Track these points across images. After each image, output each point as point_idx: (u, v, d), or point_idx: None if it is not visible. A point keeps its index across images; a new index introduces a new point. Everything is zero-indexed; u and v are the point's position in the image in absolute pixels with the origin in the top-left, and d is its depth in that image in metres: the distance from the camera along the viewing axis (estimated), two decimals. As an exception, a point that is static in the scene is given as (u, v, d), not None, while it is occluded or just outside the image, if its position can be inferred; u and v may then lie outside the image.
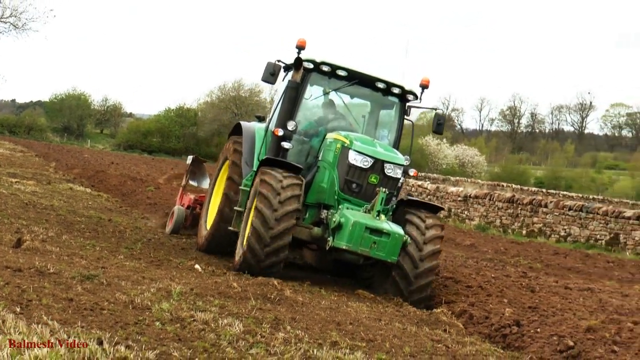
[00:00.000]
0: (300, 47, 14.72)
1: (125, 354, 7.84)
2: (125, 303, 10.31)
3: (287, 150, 14.87)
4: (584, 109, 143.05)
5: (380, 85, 15.29)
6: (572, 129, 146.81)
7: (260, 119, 17.25)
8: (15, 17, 70.92)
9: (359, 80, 15.32)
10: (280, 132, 14.55)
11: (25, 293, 9.82)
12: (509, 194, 41.03)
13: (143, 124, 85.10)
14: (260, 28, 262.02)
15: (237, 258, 13.98)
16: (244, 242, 13.68)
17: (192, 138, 78.58)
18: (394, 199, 14.82)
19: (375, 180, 13.99)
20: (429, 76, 15.85)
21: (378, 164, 14.04)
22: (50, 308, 9.29)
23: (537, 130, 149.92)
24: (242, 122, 16.69)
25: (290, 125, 14.58)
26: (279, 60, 14.92)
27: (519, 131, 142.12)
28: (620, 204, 50.42)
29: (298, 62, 14.84)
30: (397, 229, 13.46)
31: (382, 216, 13.65)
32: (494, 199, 39.43)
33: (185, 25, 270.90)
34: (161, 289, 11.52)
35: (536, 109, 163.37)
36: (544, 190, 62.44)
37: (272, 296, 12.46)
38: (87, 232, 17.06)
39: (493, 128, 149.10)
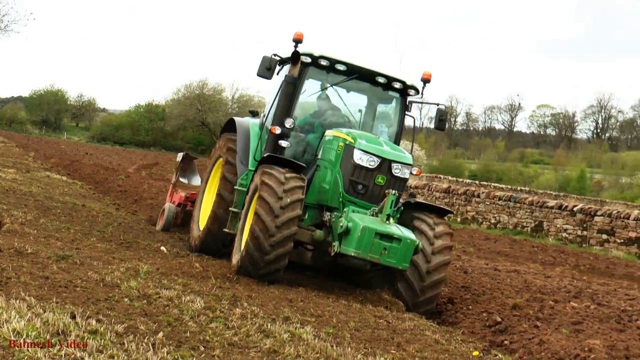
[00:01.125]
0: (297, 41, 12.70)
1: (96, 327, 7.84)
2: (97, 281, 10.29)
3: (284, 149, 13.02)
4: (513, 110, 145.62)
5: (381, 79, 13.34)
6: (502, 127, 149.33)
7: (254, 114, 15.18)
8: (-2, 19, 70.33)
9: (358, 74, 13.35)
10: (278, 130, 12.66)
11: (5, 271, 9.79)
12: (445, 185, 41.44)
13: (115, 118, 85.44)
14: (259, 27, 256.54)
15: (234, 261, 12.26)
16: (242, 247, 11.95)
17: (160, 132, 78.68)
18: (400, 200, 12.90)
19: (382, 181, 12.05)
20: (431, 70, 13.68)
21: (385, 164, 12.09)
22: (28, 285, 9.29)
23: (472, 128, 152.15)
24: (235, 118, 14.62)
25: (288, 123, 12.70)
26: (275, 54, 12.86)
27: (455, 129, 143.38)
28: (544, 195, 51.37)
29: (295, 55, 12.78)
30: (409, 233, 11.50)
31: (391, 220, 11.86)
32: (432, 189, 39.57)
33: (183, 24, 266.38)
34: (130, 269, 11.48)
35: (471, 109, 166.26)
36: (477, 182, 62.94)
37: (231, 276, 12.46)
38: (62, 216, 16.86)
39: (432, 125, 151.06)
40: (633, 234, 28.44)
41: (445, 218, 13.07)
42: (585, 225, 29.83)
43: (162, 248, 14.50)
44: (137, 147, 72.15)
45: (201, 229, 14.10)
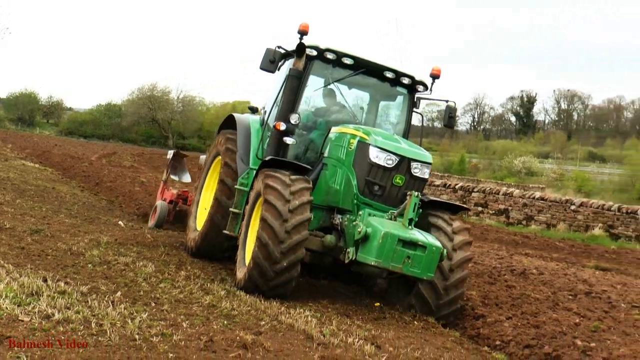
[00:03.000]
0: (303, 33, 10.14)
1: (64, 288, 7.92)
2: (65, 250, 10.36)
3: (289, 146, 10.51)
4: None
5: (389, 74, 10.72)
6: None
7: (254, 111, 12.41)
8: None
9: (366, 69, 10.67)
10: (283, 127, 10.14)
11: None
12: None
13: (80, 115, 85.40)
14: (213, 30, 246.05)
15: (239, 275, 9.44)
16: (248, 258, 9.32)
17: (117, 127, 79.13)
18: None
19: (400, 182, 9.42)
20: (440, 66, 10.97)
21: (404, 163, 9.46)
22: (7, 255, 9.37)
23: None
24: (235, 115, 11.78)
25: (294, 119, 10.19)
26: (279, 47, 10.32)
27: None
28: (432, 176, 52.83)
29: (301, 48, 10.12)
30: (433, 240, 8.96)
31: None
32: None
33: (141, 31, 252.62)
34: (92, 240, 11.51)
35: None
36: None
37: (177, 244, 12.49)
38: (35, 197, 16.81)
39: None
40: (502, 206, 29.69)
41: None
42: (464, 199, 30.86)
43: (120, 223, 14.48)
44: (99, 140, 71.96)
45: (198, 229, 11.41)
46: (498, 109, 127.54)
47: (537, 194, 29.55)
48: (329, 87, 10.96)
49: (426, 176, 9.54)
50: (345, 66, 10.44)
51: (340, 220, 9.58)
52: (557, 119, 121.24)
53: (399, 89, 10.97)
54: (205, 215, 11.22)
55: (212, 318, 7.97)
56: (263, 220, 8.73)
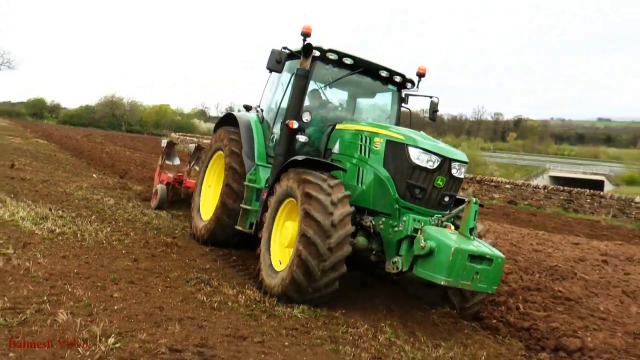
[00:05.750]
0: (306, 34, 7.64)
1: (61, 214, 8.59)
2: (62, 192, 10.98)
3: (302, 144, 7.74)
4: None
5: (384, 73, 8.28)
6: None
7: (248, 109, 9.34)
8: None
9: (363, 68, 8.12)
10: (295, 125, 7.49)
11: (15, 188, 10.50)
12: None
13: (70, 112, 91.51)
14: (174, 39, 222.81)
15: (271, 281, 6.46)
16: (284, 271, 6.33)
17: (93, 118, 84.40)
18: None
19: (441, 184, 6.57)
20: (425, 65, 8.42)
21: (445, 164, 6.58)
22: (27, 195, 9.93)
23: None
24: (234, 113, 9.02)
25: (306, 117, 7.64)
26: (284, 48, 7.83)
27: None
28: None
29: (308, 48, 7.52)
30: (496, 250, 6.12)
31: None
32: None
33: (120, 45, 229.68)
34: (78, 185, 12.21)
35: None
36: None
37: (128, 187, 13.20)
38: (44, 160, 17.24)
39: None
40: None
41: None
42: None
43: (94, 175, 15.10)
44: (83, 127, 75.00)
45: (205, 219, 8.84)
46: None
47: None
48: (315, 85, 8.32)
49: (463, 176, 6.77)
50: (346, 66, 8.07)
51: (373, 222, 6.69)
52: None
53: (390, 86, 8.62)
54: (210, 207, 8.91)
55: (148, 230, 8.54)
56: (304, 236, 6.01)
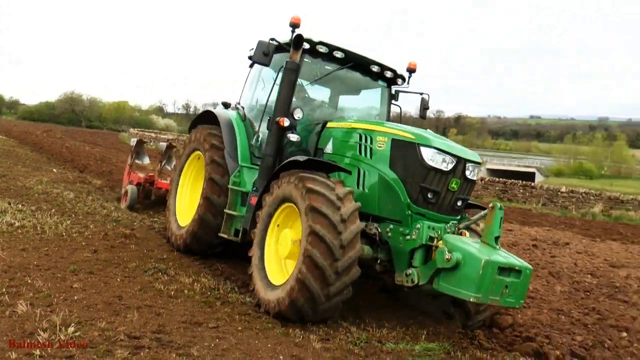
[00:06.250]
0: (295, 25, 6.54)
1: (21, 208, 8.49)
2: (21, 186, 10.88)
3: (291, 143, 6.65)
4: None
5: (375, 68, 7.26)
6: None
7: (227, 106, 8.18)
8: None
9: (354, 63, 7.13)
10: (287, 122, 6.38)
11: None
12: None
13: (29, 107, 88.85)
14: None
15: (268, 297, 5.48)
16: (275, 277, 5.68)
17: (52, 114, 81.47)
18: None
19: (455, 187, 5.62)
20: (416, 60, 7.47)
21: (460, 165, 5.64)
22: None
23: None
24: (214, 110, 7.82)
25: (298, 114, 6.49)
26: (272, 39, 6.64)
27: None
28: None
29: (298, 40, 6.41)
30: (523, 261, 5.18)
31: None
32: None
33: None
34: (38, 180, 11.98)
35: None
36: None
37: (87, 181, 13.09)
38: (2, 156, 16.80)
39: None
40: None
41: None
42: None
43: (54, 170, 14.80)
44: (42, 122, 72.39)
45: (182, 225, 7.64)
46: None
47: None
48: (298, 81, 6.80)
49: (476, 178, 5.91)
50: (336, 60, 7.03)
51: (379, 229, 5.70)
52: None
53: (381, 82, 7.61)
54: (188, 212, 7.81)
55: (107, 222, 8.42)
56: (315, 234, 5.08)
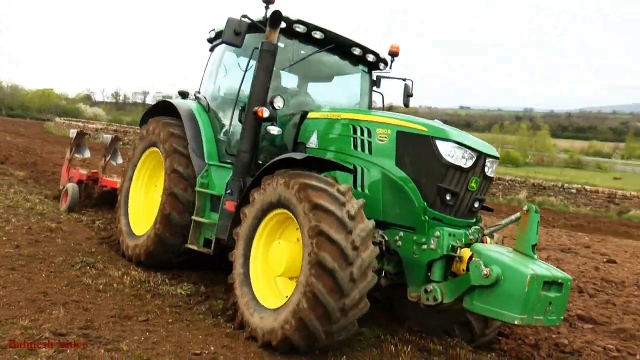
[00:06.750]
0: (268, 1, 5.66)
1: None
2: None
3: (271, 136, 5.79)
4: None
5: (356, 51, 6.37)
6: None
7: (184, 96, 7.30)
8: None
9: (334, 45, 6.19)
10: (266, 113, 5.46)
11: None
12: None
13: None
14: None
15: (259, 322, 4.48)
16: (263, 298, 4.73)
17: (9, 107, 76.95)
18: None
19: (475, 186, 4.81)
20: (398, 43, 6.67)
21: (480, 161, 4.80)
22: None
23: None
24: (172, 101, 6.86)
25: (278, 103, 5.56)
26: (244, 16, 5.64)
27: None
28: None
29: (276, 17, 5.44)
30: (563, 272, 4.39)
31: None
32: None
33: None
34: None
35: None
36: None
37: (9, 173, 12.62)
38: None
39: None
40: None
41: None
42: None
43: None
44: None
45: (139, 234, 6.60)
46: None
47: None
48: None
49: (494, 175, 5.15)
50: (315, 41, 6.15)
51: (385, 237, 4.90)
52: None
53: (361, 66, 6.77)
54: (144, 218, 6.88)
55: (31, 215, 8.19)
56: (321, 265, 4.11)
